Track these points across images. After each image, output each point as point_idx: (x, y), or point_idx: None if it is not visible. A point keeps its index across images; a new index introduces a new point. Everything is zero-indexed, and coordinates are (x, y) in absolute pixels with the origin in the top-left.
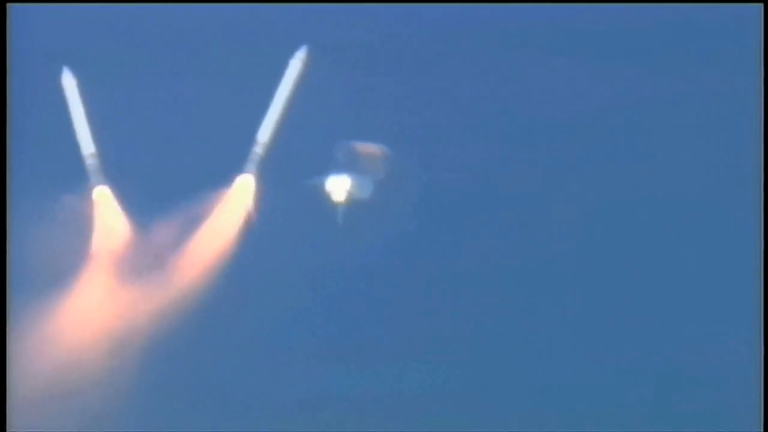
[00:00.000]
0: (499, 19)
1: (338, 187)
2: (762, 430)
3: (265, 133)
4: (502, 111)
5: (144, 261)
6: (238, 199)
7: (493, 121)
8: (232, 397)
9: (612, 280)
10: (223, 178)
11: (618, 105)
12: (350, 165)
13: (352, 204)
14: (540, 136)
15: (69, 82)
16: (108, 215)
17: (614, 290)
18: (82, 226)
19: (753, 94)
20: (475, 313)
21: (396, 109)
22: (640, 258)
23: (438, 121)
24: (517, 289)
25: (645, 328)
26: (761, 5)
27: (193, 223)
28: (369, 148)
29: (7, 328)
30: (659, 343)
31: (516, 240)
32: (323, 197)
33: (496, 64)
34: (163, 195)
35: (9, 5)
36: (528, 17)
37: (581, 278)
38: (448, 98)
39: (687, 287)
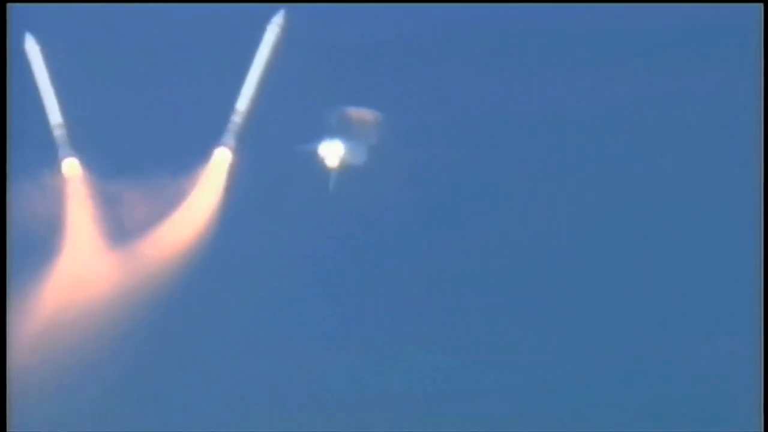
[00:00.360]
0: (497, 19)
1: (331, 152)
2: (762, 430)
3: (243, 101)
4: (500, 103)
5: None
6: (216, 174)
7: (491, 108)
8: (217, 380)
9: (611, 279)
10: (201, 150)
11: (618, 105)
12: (343, 130)
13: (345, 170)
14: (539, 132)
15: (32, 49)
16: (78, 189)
17: (613, 290)
18: (54, 201)
19: (753, 94)
20: (469, 290)
21: (387, 76)
22: (640, 258)
23: (431, 85)
24: (510, 263)
25: (645, 328)
26: (761, 5)
27: (169, 199)
28: (361, 113)
29: (7, 319)
30: (659, 343)
31: (511, 213)
32: (315, 163)
33: (495, 60)
34: (137, 170)
35: (9, 5)
36: (526, 17)
37: (580, 277)
38: (441, 70)
39: (687, 287)
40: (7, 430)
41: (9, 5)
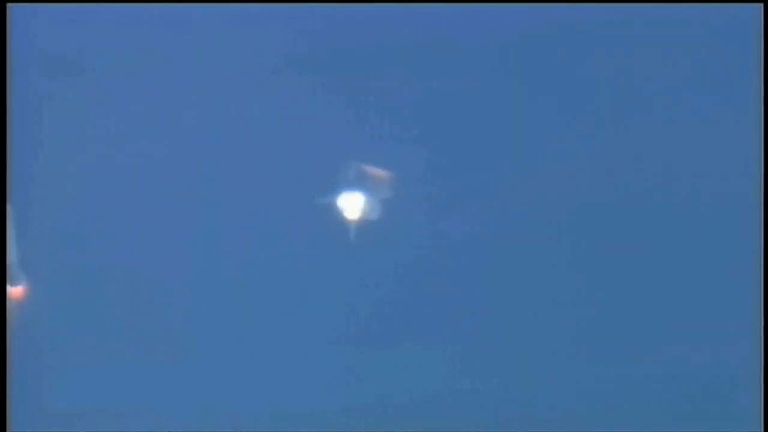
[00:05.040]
0: (495, 20)
1: (351, 204)
2: (762, 430)
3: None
4: (499, 110)
5: None
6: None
7: (490, 122)
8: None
9: (611, 280)
10: None
11: (617, 105)
12: (359, 184)
13: (362, 223)
14: (539, 138)
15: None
16: None
17: (613, 291)
18: None
19: (753, 95)
20: (488, 337)
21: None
22: (640, 259)
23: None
24: (520, 294)
25: (644, 328)
26: (761, 5)
27: None
28: (375, 170)
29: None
30: (659, 343)
31: (522, 245)
32: (335, 215)
33: (495, 66)
34: None
35: (9, 5)
36: (525, 17)
37: (579, 279)
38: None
39: (686, 288)
40: (7, 429)
41: (9, 5)
